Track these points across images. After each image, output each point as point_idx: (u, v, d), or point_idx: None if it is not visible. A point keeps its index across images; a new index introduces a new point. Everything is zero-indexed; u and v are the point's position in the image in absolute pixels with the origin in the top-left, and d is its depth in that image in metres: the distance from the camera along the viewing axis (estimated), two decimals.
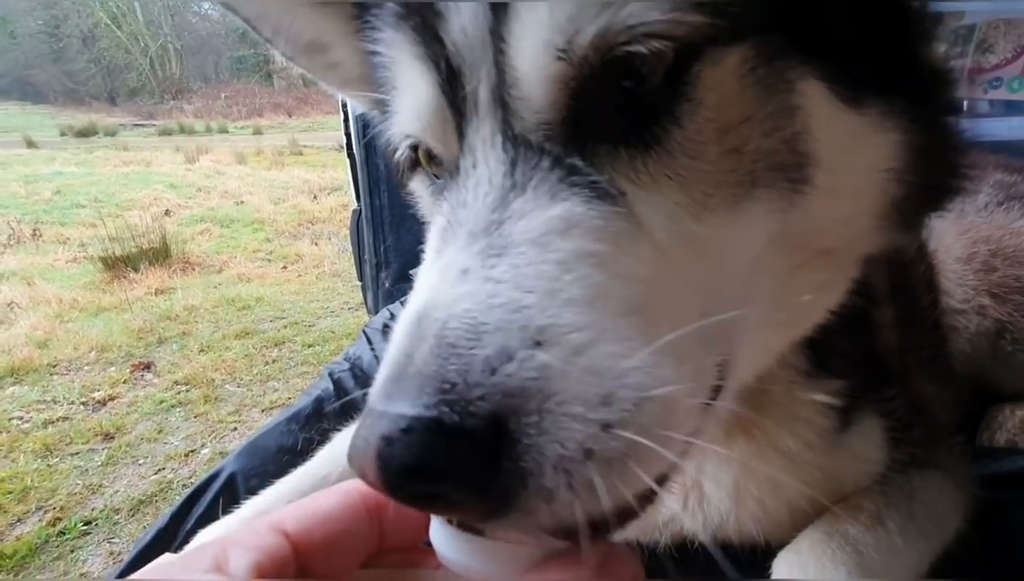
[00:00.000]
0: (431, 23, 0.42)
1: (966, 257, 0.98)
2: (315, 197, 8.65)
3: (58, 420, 3.32)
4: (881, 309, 0.75)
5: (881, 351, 0.74)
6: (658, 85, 0.37)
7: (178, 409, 3.43)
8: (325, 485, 0.88)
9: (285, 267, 6.09)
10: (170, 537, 0.92)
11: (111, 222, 6.53)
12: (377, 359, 1.35)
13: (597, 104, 0.38)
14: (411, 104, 0.46)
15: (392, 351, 0.35)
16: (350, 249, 6.90)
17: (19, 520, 2.59)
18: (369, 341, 1.43)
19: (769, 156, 0.40)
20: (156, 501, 2.68)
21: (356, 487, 0.38)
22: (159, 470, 2.91)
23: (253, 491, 0.92)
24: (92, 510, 2.64)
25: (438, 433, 0.30)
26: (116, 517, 2.59)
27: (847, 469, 0.65)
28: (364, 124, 2.55)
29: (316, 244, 6.76)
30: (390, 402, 0.32)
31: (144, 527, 2.52)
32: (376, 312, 2.79)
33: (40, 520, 2.58)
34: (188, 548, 0.82)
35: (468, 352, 0.32)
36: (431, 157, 0.50)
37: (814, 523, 0.65)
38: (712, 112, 0.38)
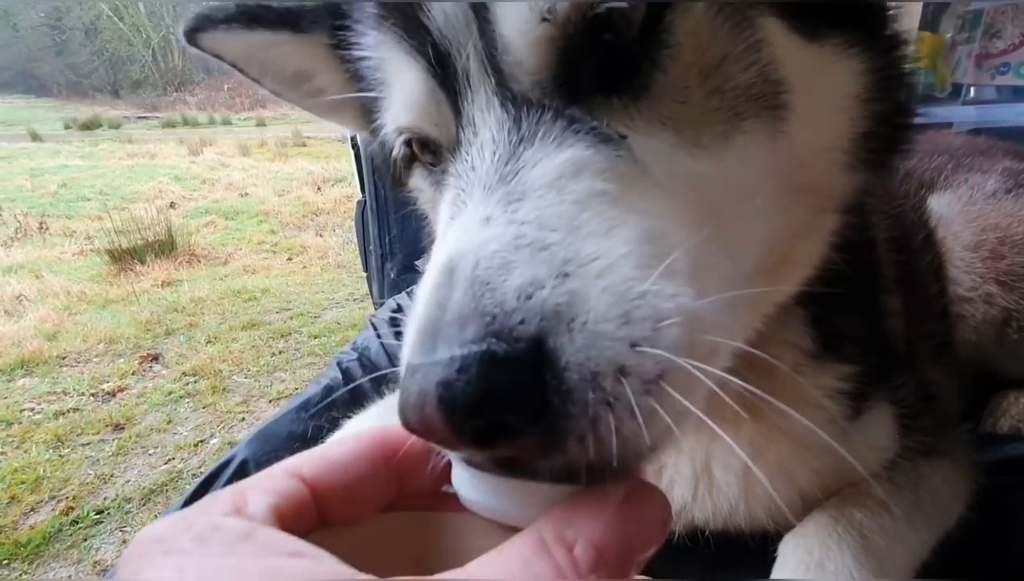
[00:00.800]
0: (412, 14, 0.44)
1: (974, 245, 0.98)
2: (319, 188, 8.66)
3: (69, 411, 3.35)
4: (889, 296, 0.75)
5: (890, 338, 0.75)
6: (637, 36, 0.40)
7: (186, 400, 3.46)
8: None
9: (290, 259, 6.11)
10: None
11: (116, 215, 6.56)
12: (384, 348, 1.36)
13: (585, 59, 0.40)
14: (403, 94, 0.48)
15: (422, 305, 0.35)
16: (355, 240, 6.92)
17: (33, 509, 2.63)
18: (376, 330, 1.44)
19: (748, 89, 0.43)
20: (167, 490, 2.71)
21: (370, 435, 0.38)
22: (169, 460, 2.94)
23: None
24: (104, 499, 2.68)
25: (492, 363, 0.30)
26: (128, 506, 2.63)
27: (858, 455, 0.66)
28: None
29: (321, 235, 6.77)
30: (434, 351, 0.32)
31: (156, 516, 2.56)
32: (382, 303, 2.80)
33: (53, 509, 2.62)
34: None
35: (502, 285, 0.33)
36: (425, 146, 0.51)
37: (820, 507, 0.65)
38: (690, 56, 0.41)
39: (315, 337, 4.18)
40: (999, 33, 1.60)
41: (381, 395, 1.06)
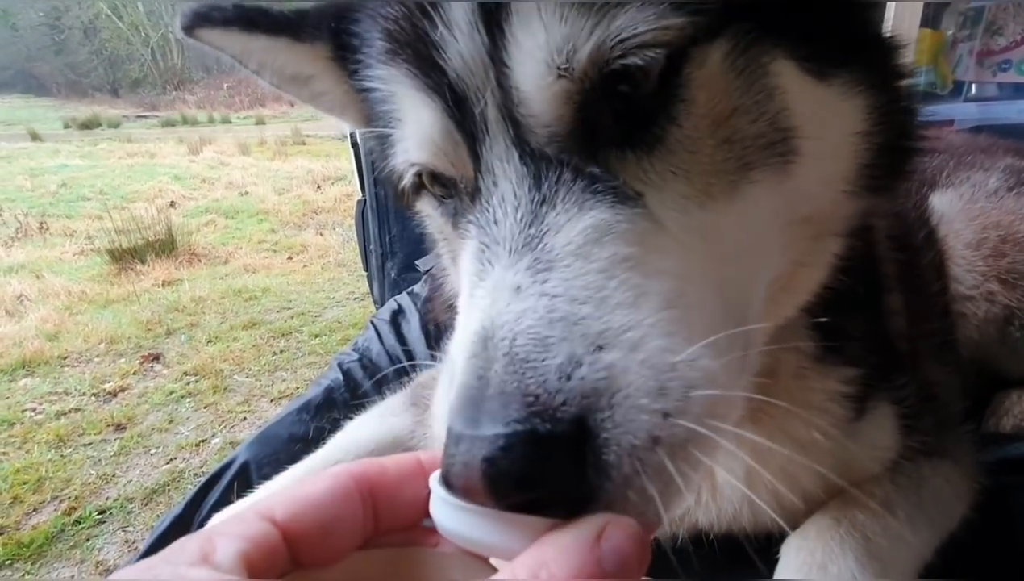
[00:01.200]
0: (427, 54, 0.43)
1: (976, 243, 0.98)
2: (319, 187, 8.65)
3: (70, 411, 3.36)
4: (891, 295, 0.75)
5: (892, 337, 0.75)
6: (653, 89, 0.40)
7: (188, 399, 3.47)
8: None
9: (290, 258, 6.10)
10: (185, 524, 0.94)
11: (117, 214, 6.57)
12: (385, 349, 1.36)
13: (602, 113, 0.40)
14: (419, 133, 0.47)
15: (463, 375, 0.36)
16: (355, 239, 6.91)
17: (35, 509, 2.63)
18: (377, 331, 1.44)
19: (758, 138, 0.42)
20: (169, 490, 2.72)
21: (346, 470, 0.37)
22: (171, 460, 2.95)
23: (266, 478, 0.94)
24: (106, 499, 2.68)
25: (535, 443, 0.32)
26: (130, 506, 2.63)
27: (859, 457, 0.66)
28: None
29: (321, 234, 6.76)
30: (478, 425, 0.34)
31: (158, 516, 2.56)
32: (382, 302, 2.80)
33: (56, 509, 2.63)
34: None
35: (542, 364, 0.34)
36: (436, 179, 0.51)
37: (822, 509, 0.65)
38: (704, 108, 0.41)
39: (316, 336, 4.18)
40: (1000, 30, 1.59)
41: (382, 396, 1.06)
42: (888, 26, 1.56)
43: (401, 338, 1.42)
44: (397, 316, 1.50)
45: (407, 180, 0.53)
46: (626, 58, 0.38)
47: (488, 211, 0.41)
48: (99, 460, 2.97)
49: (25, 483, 2.78)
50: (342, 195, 7.99)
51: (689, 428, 0.34)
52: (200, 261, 5.86)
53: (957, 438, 0.76)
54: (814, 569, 0.61)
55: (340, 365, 1.29)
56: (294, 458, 0.96)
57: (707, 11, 0.39)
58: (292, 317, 4.52)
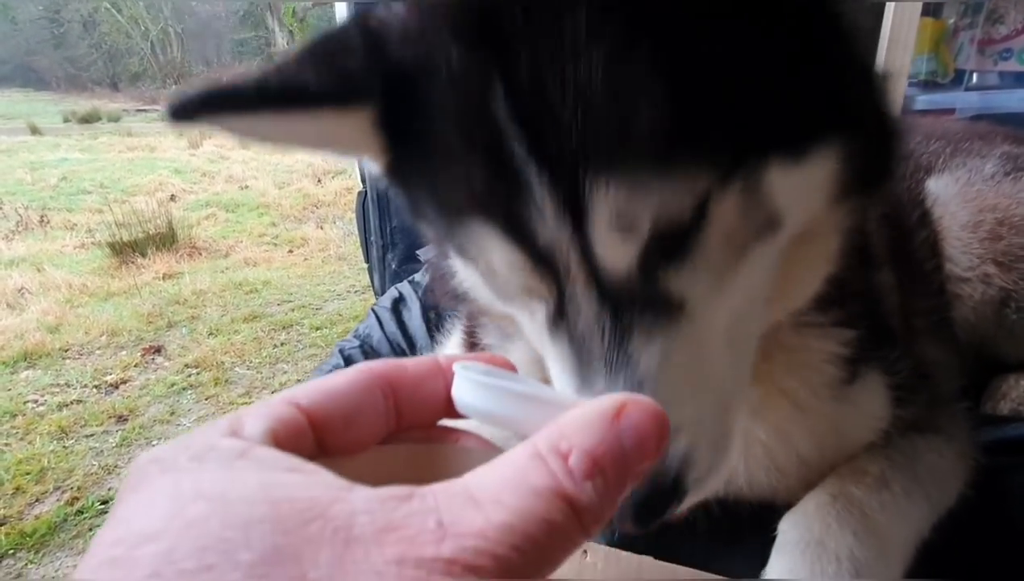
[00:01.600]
0: (517, 221, 0.46)
1: (972, 225, 0.98)
2: (319, 181, 8.66)
3: (72, 403, 3.37)
4: (881, 272, 0.76)
5: (884, 313, 0.75)
6: (689, 222, 0.46)
7: (189, 392, 3.48)
8: None
9: (291, 251, 6.11)
10: None
11: (117, 208, 6.57)
12: (386, 336, 1.36)
13: (656, 254, 0.47)
14: (504, 266, 0.49)
15: None
16: (355, 233, 6.91)
17: (37, 500, 2.65)
18: (378, 319, 1.44)
19: (755, 232, 0.49)
20: None
21: (367, 366, 0.38)
22: None
23: None
24: (109, 490, 2.70)
25: (655, 497, 0.46)
26: None
27: (852, 422, 0.67)
28: None
29: (321, 228, 6.77)
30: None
31: None
32: (383, 293, 2.81)
33: (58, 500, 2.64)
34: None
35: None
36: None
37: (820, 485, 0.66)
38: (719, 227, 0.47)
39: (317, 329, 4.19)
40: (1002, 19, 1.59)
41: None
42: (888, 16, 1.56)
43: (402, 325, 1.42)
44: (398, 304, 1.50)
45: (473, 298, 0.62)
46: (674, 214, 0.45)
47: (580, 333, 0.48)
48: (101, 451, 2.98)
49: (28, 474, 2.79)
50: (342, 189, 8.00)
51: (719, 456, 0.50)
52: (201, 254, 5.87)
53: (952, 415, 0.77)
54: (812, 545, 0.62)
55: (341, 351, 1.29)
56: None
57: (727, 164, 0.45)
58: (293, 310, 4.53)
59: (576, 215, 0.44)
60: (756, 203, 0.47)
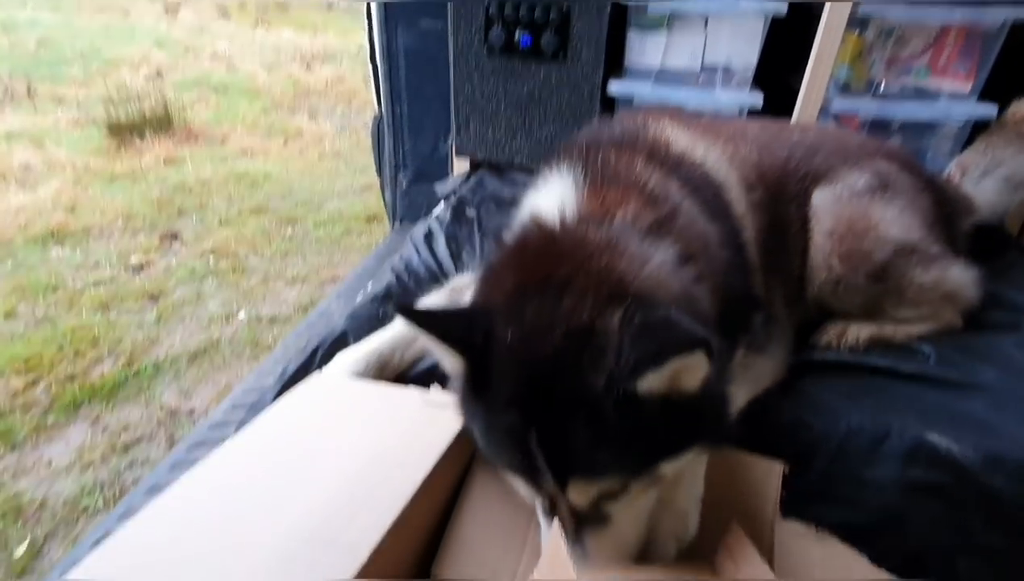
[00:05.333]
0: (533, 478, 0.91)
1: (830, 231, 1.44)
2: (308, 66, 8.52)
3: (105, 281, 3.76)
4: (755, 276, 1.29)
5: (754, 293, 1.27)
6: (618, 491, 0.92)
7: (210, 277, 3.89)
8: (407, 340, 1.43)
9: (286, 143, 6.28)
10: (304, 370, 1.45)
11: (103, 81, 6.55)
12: (422, 261, 1.84)
13: (600, 501, 0.92)
14: (523, 489, 0.96)
15: None
16: (349, 128, 7.05)
17: (97, 362, 3.12)
18: (416, 248, 1.91)
19: (655, 483, 0.95)
20: (210, 353, 3.23)
21: None
22: (205, 328, 3.43)
23: (357, 340, 1.46)
24: (156, 357, 3.18)
25: None
26: (179, 364, 3.15)
27: None
28: (388, 37, 2.80)
29: (314, 120, 6.88)
30: None
31: (204, 373, 3.11)
32: (394, 208, 3.21)
33: (115, 363, 3.12)
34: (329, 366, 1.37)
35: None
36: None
37: None
38: (636, 489, 0.93)
39: (320, 225, 4.56)
40: (907, 42, 1.99)
41: (424, 293, 1.57)
42: (820, 29, 1.94)
43: (433, 254, 1.90)
44: (428, 238, 1.96)
45: (515, 484, 0.98)
46: (610, 491, 0.90)
47: (560, 518, 0.93)
48: (141, 325, 3.42)
49: (82, 340, 3.24)
50: (333, 78, 7.96)
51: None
52: (198, 140, 6.01)
53: (777, 343, 1.30)
54: None
55: (393, 270, 1.78)
56: (372, 330, 1.47)
57: (640, 472, 0.90)
58: (296, 205, 4.86)
59: (563, 486, 0.89)
60: (653, 479, 0.93)
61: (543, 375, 0.86)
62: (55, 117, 6.15)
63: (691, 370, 0.83)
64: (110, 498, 2.45)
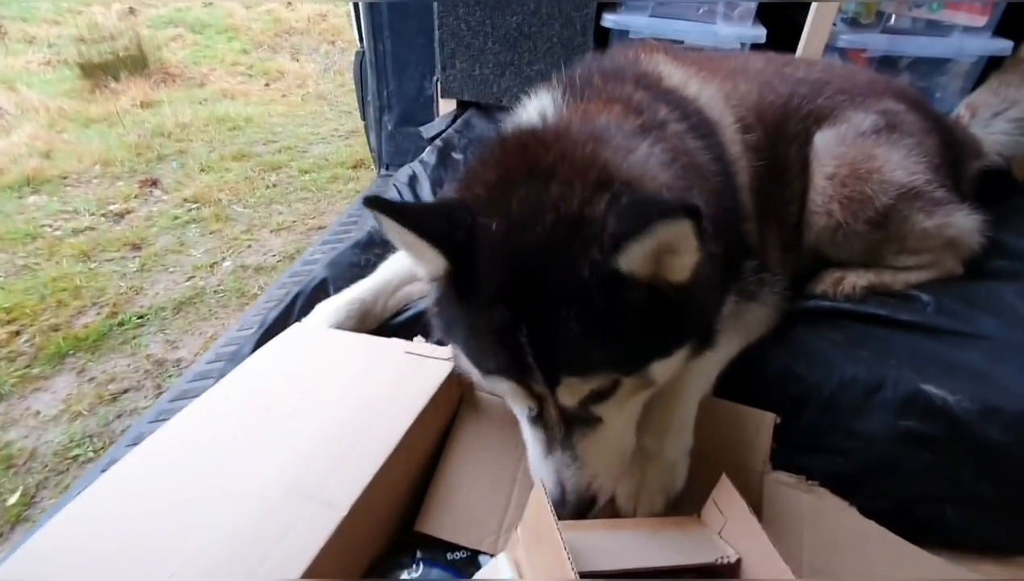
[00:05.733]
0: (522, 381, 0.89)
1: (831, 175, 1.38)
2: (289, 2, 8.11)
3: (85, 229, 3.65)
4: (748, 223, 1.22)
5: (746, 240, 1.22)
6: (608, 390, 0.90)
7: (193, 225, 3.78)
8: (390, 288, 1.37)
9: (268, 85, 6.04)
10: (285, 317, 1.40)
11: (73, 19, 6.23)
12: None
13: (592, 397, 0.90)
14: (511, 395, 0.94)
15: (552, 492, 0.89)
16: (333, 69, 6.77)
17: (80, 312, 3.06)
18: (399, 193, 1.83)
19: (644, 386, 0.94)
20: (195, 303, 3.16)
21: None
22: (190, 278, 3.35)
23: (337, 290, 1.41)
24: (140, 307, 3.11)
25: (583, 506, 0.91)
26: (163, 314, 3.08)
27: None
28: None
29: (297, 60, 6.60)
30: (564, 507, 0.89)
31: (190, 323, 3.06)
32: (379, 152, 3.09)
33: (98, 313, 3.06)
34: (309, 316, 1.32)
35: (580, 489, 0.89)
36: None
37: None
38: (624, 391, 0.92)
39: (305, 172, 4.42)
40: None
41: None
42: None
43: (417, 198, 1.82)
44: (413, 181, 1.88)
45: (500, 390, 0.96)
46: (600, 390, 0.90)
47: (548, 425, 0.92)
48: (124, 274, 3.34)
49: (64, 290, 3.16)
50: (315, 15, 7.58)
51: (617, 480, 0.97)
52: (175, 81, 5.77)
53: (771, 291, 1.26)
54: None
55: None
56: (355, 278, 1.42)
57: (630, 370, 0.90)
58: (279, 151, 4.71)
59: (553, 384, 0.87)
60: (644, 379, 0.92)
61: (533, 266, 0.83)
62: (26, 58, 5.87)
63: (679, 252, 0.80)
64: (100, 447, 2.45)
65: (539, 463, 0.94)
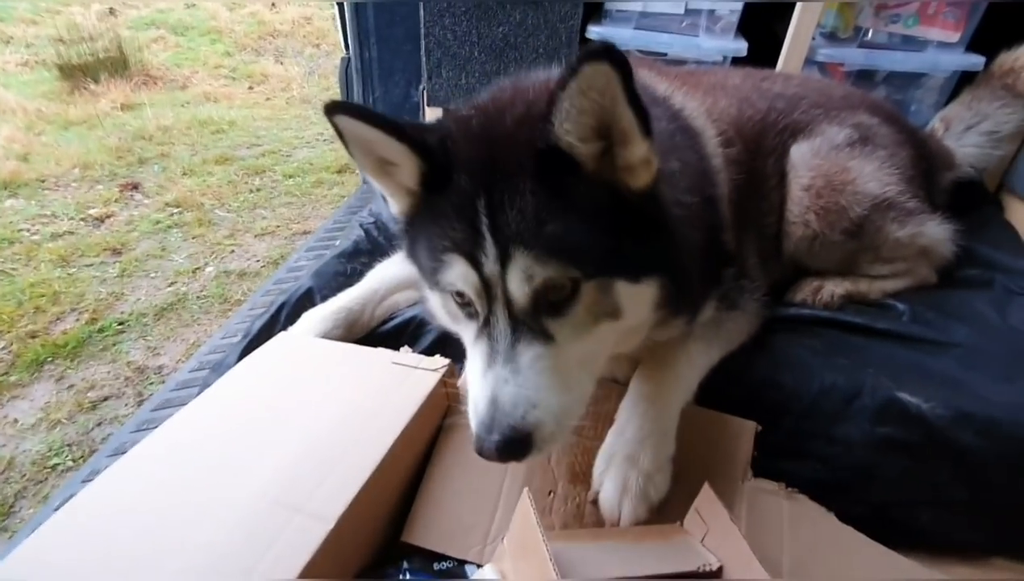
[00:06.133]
0: (475, 258, 0.87)
1: (807, 186, 1.41)
2: (273, 4, 8.06)
3: (64, 234, 3.59)
4: (727, 233, 1.24)
5: (726, 251, 1.24)
6: (566, 294, 0.88)
7: (175, 230, 3.74)
8: (377, 297, 1.38)
9: (251, 88, 5.99)
10: (271, 326, 1.40)
11: (52, 19, 6.13)
12: (394, 218, 1.77)
13: (544, 303, 0.88)
14: (463, 281, 0.90)
15: (480, 413, 0.85)
16: (318, 73, 6.73)
17: (58, 319, 3.00)
18: (385, 201, 1.83)
19: (604, 312, 0.91)
20: (177, 309, 3.13)
21: None
22: (172, 283, 3.31)
23: (324, 299, 1.41)
24: (121, 313, 3.07)
25: (514, 442, 0.82)
26: (144, 320, 3.04)
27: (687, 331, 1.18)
28: None
29: (281, 63, 6.55)
30: (491, 434, 0.83)
31: (172, 329, 3.02)
32: None
33: (78, 319, 3.01)
34: (296, 325, 1.32)
35: (515, 413, 0.83)
36: (460, 297, 0.95)
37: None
38: (585, 302, 0.89)
39: (289, 177, 4.39)
40: None
41: (394, 250, 1.51)
42: None
43: None
44: None
45: (447, 289, 0.95)
46: (555, 283, 0.87)
47: (494, 334, 0.89)
48: (104, 280, 3.29)
49: (43, 295, 3.11)
50: (300, 18, 7.54)
51: (560, 431, 0.87)
52: (157, 84, 5.71)
53: (749, 298, 1.29)
54: (649, 371, 1.15)
55: (361, 225, 1.70)
56: (340, 287, 1.42)
57: (590, 273, 0.87)
58: (263, 155, 4.67)
59: (504, 265, 0.86)
60: (607, 296, 0.90)
61: (496, 144, 0.89)
62: (3, 58, 5.77)
63: (627, 141, 0.85)
64: (79, 456, 2.41)
65: (475, 381, 0.89)
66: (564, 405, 0.86)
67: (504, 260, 0.85)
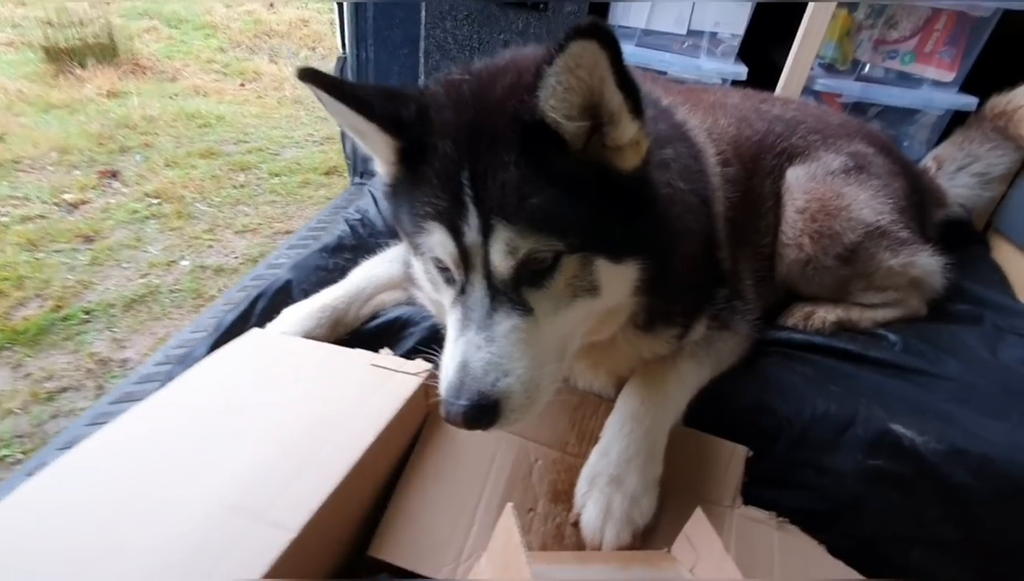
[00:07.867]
0: (456, 228, 0.85)
1: (802, 209, 1.41)
2: (271, 4, 8.02)
3: (35, 217, 3.46)
4: (721, 251, 1.21)
5: (720, 270, 1.21)
6: (546, 267, 0.85)
7: (152, 221, 3.62)
8: (363, 296, 1.32)
9: (243, 85, 5.91)
10: (244, 321, 1.32)
11: (42, 2, 5.99)
12: (380, 212, 1.72)
13: (524, 274, 0.86)
14: (444, 251, 0.88)
15: (450, 377, 0.82)
16: None
17: (21, 304, 2.87)
18: (373, 198, 1.78)
19: (583, 288, 0.89)
20: (148, 301, 3.01)
21: None
22: (144, 275, 3.19)
23: (303, 294, 1.34)
24: (88, 302, 2.94)
25: (481, 408, 0.79)
26: (112, 311, 2.92)
27: (674, 350, 1.16)
28: None
29: (275, 62, 6.48)
30: (459, 399, 0.80)
31: (141, 322, 2.90)
32: (354, 158, 3.04)
33: (41, 306, 2.88)
34: (276, 322, 1.25)
35: (485, 379, 0.80)
36: (439, 263, 0.92)
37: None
38: (565, 276, 0.87)
39: (275, 175, 4.30)
40: (896, 24, 1.94)
41: (379, 246, 1.46)
42: (809, 6, 1.86)
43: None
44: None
45: (427, 255, 0.93)
46: (537, 255, 0.84)
47: (469, 303, 0.87)
48: (73, 267, 3.16)
49: (6, 279, 2.97)
50: (297, 20, 7.49)
51: (529, 404, 0.84)
52: (146, 73, 5.59)
53: (741, 319, 1.26)
54: (629, 394, 1.11)
55: (347, 221, 1.64)
56: (321, 282, 1.36)
57: (572, 246, 0.85)
58: (250, 152, 4.58)
59: (486, 236, 0.84)
60: (587, 273, 0.88)
61: (482, 114, 0.86)
62: None
63: (615, 121, 0.82)
64: (30, 449, 2.28)
65: (448, 346, 0.87)
66: (536, 379, 0.84)
67: (486, 232, 0.83)
